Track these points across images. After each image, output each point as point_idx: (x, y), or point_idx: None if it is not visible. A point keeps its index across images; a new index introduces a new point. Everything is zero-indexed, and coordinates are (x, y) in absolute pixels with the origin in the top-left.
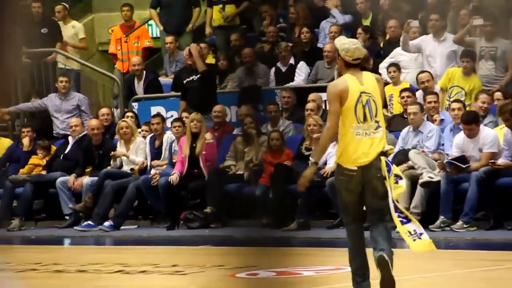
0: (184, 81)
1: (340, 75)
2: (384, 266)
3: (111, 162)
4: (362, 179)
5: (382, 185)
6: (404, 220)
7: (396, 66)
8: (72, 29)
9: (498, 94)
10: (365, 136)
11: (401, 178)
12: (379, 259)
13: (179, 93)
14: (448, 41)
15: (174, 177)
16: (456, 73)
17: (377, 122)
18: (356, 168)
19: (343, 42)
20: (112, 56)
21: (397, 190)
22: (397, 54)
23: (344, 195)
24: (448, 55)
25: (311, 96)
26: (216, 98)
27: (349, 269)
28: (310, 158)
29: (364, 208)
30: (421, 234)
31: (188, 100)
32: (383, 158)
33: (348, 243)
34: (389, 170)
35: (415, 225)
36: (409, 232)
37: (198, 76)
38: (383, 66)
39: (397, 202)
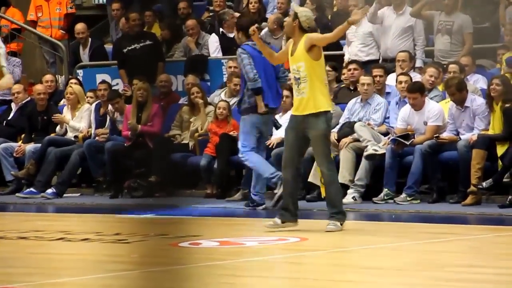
0: (125, 50)
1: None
2: None
3: (57, 129)
4: None
5: None
6: None
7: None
8: None
9: (453, 67)
10: None
11: None
12: None
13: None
14: (406, 14)
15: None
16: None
17: None
18: None
19: (305, 9)
20: (31, 23)
21: None
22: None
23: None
24: (404, 28)
25: None
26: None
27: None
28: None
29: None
30: None
31: (128, 69)
32: None
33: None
34: None
35: None
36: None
37: (141, 44)
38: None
39: None
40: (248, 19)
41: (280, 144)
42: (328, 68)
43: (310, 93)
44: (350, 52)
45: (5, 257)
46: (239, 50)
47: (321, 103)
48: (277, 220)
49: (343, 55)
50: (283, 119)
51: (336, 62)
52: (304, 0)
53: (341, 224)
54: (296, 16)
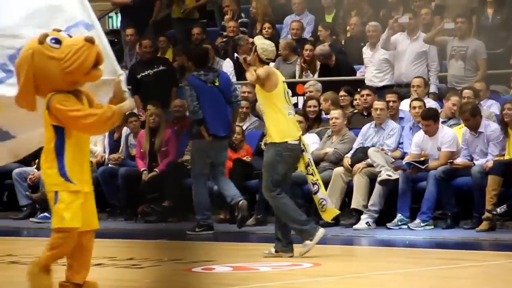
0: (139, 76)
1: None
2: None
3: None
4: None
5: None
6: (316, 190)
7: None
8: None
9: (467, 92)
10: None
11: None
12: None
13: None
14: (420, 40)
15: (144, 176)
16: None
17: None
18: (297, 142)
19: (264, 42)
20: None
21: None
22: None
23: (283, 168)
24: (418, 54)
25: None
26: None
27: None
28: None
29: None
30: (326, 202)
31: (142, 95)
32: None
33: (287, 207)
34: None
35: (322, 193)
36: (320, 201)
37: (155, 70)
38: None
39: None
40: (199, 50)
41: None
42: (343, 93)
43: (267, 124)
44: (366, 77)
45: (19, 281)
46: (184, 81)
47: (273, 135)
48: (272, 249)
49: (357, 80)
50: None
51: (350, 87)
52: (317, 26)
53: (311, 240)
54: (255, 48)
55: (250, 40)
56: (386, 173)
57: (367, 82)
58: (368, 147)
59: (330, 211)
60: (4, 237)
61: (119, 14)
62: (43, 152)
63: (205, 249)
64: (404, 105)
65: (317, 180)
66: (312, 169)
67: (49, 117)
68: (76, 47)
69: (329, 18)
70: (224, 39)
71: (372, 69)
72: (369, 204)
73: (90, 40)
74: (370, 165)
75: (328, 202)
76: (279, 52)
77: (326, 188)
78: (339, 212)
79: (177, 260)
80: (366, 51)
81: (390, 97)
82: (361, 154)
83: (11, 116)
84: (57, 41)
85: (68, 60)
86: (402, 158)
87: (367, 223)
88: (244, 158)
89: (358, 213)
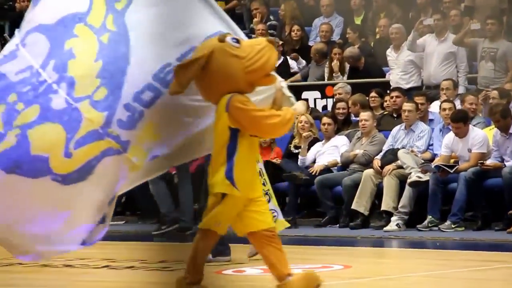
0: None
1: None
2: None
3: None
4: None
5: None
6: (267, 200)
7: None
8: None
9: (494, 93)
10: None
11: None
12: None
13: None
14: (448, 41)
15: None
16: None
17: None
18: None
19: None
20: None
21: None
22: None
23: None
24: (446, 55)
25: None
26: None
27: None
28: None
29: None
30: (277, 214)
31: None
32: None
33: None
34: None
35: (273, 204)
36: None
37: None
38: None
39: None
40: None
41: (323, 171)
42: (373, 94)
43: None
44: (392, 80)
45: (51, 284)
46: None
47: None
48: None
49: (386, 82)
50: (325, 147)
51: (380, 89)
52: (346, 29)
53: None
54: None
55: (281, 42)
56: (416, 175)
57: (393, 84)
58: (398, 149)
59: (281, 223)
60: None
61: None
62: (214, 154)
63: (236, 251)
64: (434, 107)
65: (268, 190)
66: (264, 179)
67: (229, 119)
68: (258, 47)
69: (358, 20)
70: None
71: (397, 71)
72: (399, 206)
73: (272, 42)
74: (400, 167)
75: (279, 213)
76: (311, 55)
77: (356, 190)
78: (289, 225)
79: (208, 263)
80: (391, 53)
81: (418, 99)
82: (391, 156)
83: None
84: (237, 41)
85: (251, 59)
86: (432, 160)
87: (397, 225)
88: (274, 160)
89: (388, 215)
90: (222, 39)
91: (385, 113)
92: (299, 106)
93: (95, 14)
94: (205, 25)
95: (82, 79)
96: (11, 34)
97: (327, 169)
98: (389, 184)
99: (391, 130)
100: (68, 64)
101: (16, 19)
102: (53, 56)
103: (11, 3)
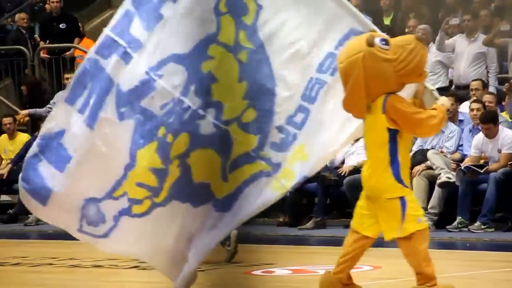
0: None
1: None
2: None
3: None
4: None
5: None
6: None
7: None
8: None
9: None
10: None
11: None
12: None
13: None
14: (478, 41)
15: None
16: None
17: None
18: None
19: None
20: None
21: None
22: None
23: None
24: (476, 55)
25: None
26: None
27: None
28: None
29: None
30: None
31: None
32: None
33: None
34: None
35: None
36: None
37: None
38: None
39: None
40: None
41: (352, 172)
42: None
43: None
44: None
45: (80, 285)
46: None
47: None
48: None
49: None
50: (354, 147)
51: None
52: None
53: None
54: None
55: None
56: (446, 176)
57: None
58: (428, 150)
59: None
60: (65, 240)
61: None
62: (371, 157)
63: (265, 252)
64: (464, 107)
65: None
66: None
67: (387, 121)
68: (410, 47)
69: (387, 21)
70: None
71: None
72: (428, 206)
73: (420, 39)
74: (430, 168)
75: None
76: None
77: None
78: None
79: (237, 263)
80: None
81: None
82: (420, 156)
83: None
84: (386, 42)
85: (403, 61)
86: (461, 160)
87: None
88: None
89: None
90: (371, 42)
91: None
92: (445, 101)
93: (225, 31)
94: (339, 26)
95: (228, 102)
96: (42, 36)
97: (356, 170)
98: (419, 184)
99: None
100: (212, 88)
101: (46, 21)
102: (192, 82)
103: (41, 4)
